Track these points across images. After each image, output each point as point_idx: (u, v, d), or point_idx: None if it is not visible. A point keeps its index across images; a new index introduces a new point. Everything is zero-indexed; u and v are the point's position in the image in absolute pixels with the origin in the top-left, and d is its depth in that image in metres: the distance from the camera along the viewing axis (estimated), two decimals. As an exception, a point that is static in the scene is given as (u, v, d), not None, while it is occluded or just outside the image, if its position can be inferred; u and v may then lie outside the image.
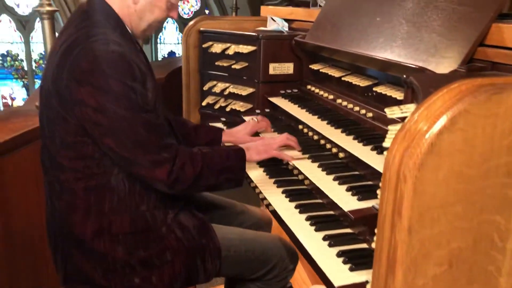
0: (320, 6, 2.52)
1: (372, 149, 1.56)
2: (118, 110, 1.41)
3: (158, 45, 13.30)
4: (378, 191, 1.17)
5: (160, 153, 1.48)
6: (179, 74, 2.91)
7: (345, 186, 1.50)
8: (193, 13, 13.18)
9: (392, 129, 1.04)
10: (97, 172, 1.52)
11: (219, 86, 2.61)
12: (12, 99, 12.37)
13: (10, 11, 11.74)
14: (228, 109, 2.56)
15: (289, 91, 2.40)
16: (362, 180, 1.55)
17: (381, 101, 1.79)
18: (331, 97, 2.09)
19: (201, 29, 2.67)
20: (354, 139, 1.68)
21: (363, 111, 1.83)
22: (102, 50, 1.40)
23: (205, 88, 2.67)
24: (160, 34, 13.23)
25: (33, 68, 12.05)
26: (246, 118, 2.31)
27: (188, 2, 13.15)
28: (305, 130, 2.01)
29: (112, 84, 1.40)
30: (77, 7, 1.63)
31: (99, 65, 1.39)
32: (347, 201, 1.41)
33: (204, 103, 2.70)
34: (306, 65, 2.37)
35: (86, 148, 1.49)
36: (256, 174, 1.83)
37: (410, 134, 0.70)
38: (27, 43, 11.96)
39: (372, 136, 1.67)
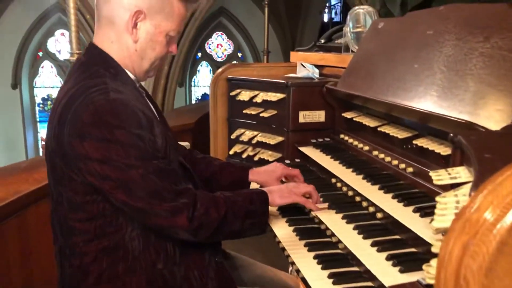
0: (352, 51, 2.42)
1: (414, 211, 1.39)
2: (127, 161, 1.33)
3: (192, 87, 13.56)
4: (424, 266, 1.01)
5: (177, 199, 1.38)
6: (209, 119, 2.84)
7: (384, 254, 1.32)
8: (226, 56, 13.44)
9: (442, 203, 0.88)
10: (109, 231, 1.42)
11: (247, 135, 2.51)
12: (51, 141, 12.75)
13: (52, 57, 12.30)
14: (256, 158, 2.45)
15: (320, 140, 2.27)
16: (404, 246, 1.37)
17: (422, 155, 1.63)
18: (366, 148, 1.94)
19: (229, 76, 2.61)
20: (393, 197, 1.51)
21: (402, 165, 1.67)
22: (103, 99, 1.33)
23: (233, 136, 2.58)
24: (194, 77, 13.51)
25: (72, 111, 12.43)
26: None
27: (221, 46, 13.44)
28: (339, 185, 1.86)
29: (117, 134, 1.32)
30: (75, 59, 1.59)
31: (100, 116, 1.32)
32: (388, 273, 1.24)
33: (231, 152, 2.60)
34: (338, 113, 2.25)
35: (96, 207, 1.41)
36: (284, 233, 1.68)
37: (471, 225, 0.55)
38: (66, 88, 12.41)
39: (414, 195, 1.50)
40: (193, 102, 13.33)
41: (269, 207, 1.57)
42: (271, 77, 2.55)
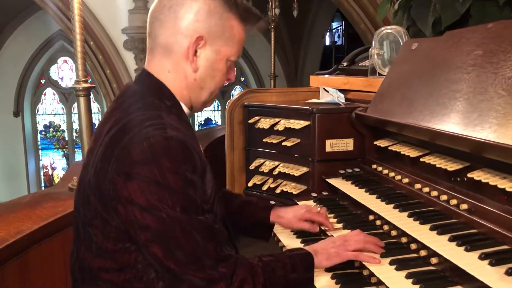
0: (379, 74, 2.26)
1: (481, 258, 1.20)
2: (172, 212, 1.15)
3: (195, 113, 13.47)
4: None
5: (217, 268, 1.19)
6: (218, 146, 2.67)
7: (451, 311, 1.13)
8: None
9: None
10: (139, 287, 1.24)
11: (267, 165, 2.33)
12: (53, 168, 12.58)
13: (54, 84, 12.24)
14: (278, 190, 2.26)
15: (349, 170, 2.08)
16: (472, 301, 1.17)
17: (476, 189, 1.44)
18: (405, 180, 1.75)
19: (246, 103, 2.44)
20: (451, 240, 1.32)
21: (453, 201, 1.48)
22: (159, 136, 1.17)
23: (251, 167, 2.40)
24: (197, 102, 13.42)
25: (74, 138, 12.33)
26: (301, 203, 2.00)
27: (224, 70, 13.39)
28: (378, 223, 1.66)
29: (170, 178, 1.15)
30: (124, 86, 1.42)
31: (155, 154, 1.15)
32: (461, 337, 1.04)
33: (250, 184, 2.41)
34: (369, 141, 2.07)
35: (128, 257, 1.23)
36: (323, 282, 1.47)
37: None
38: (68, 114, 12.33)
39: (475, 238, 1.31)
40: (196, 127, 13.20)
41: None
42: (291, 103, 2.39)
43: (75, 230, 1.35)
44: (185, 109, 1.37)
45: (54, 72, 12.19)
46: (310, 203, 1.98)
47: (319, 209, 1.73)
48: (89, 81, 2.75)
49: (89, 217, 1.26)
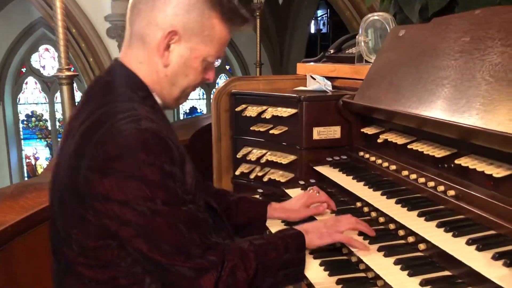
0: (366, 61, 2.25)
1: (469, 243, 1.20)
2: (152, 205, 1.13)
3: (180, 101, 13.34)
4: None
5: (205, 256, 1.18)
6: (205, 135, 2.64)
7: (440, 297, 1.13)
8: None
9: None
10: (125, 283, 1.21)
11: (255, 153, 2.32)
12: (36, 158, 12.39)
13: (36, 73, 12.00)
14: (265, 179, 2.25)
15: (337, 158, 2.08)
16: (459, 285, 1.18)
17: (464, 175, 1.45)
18: (393, 167, 1.76)
19: (233, 91, 2.42)
20: (438, 226, 1.33)
21: (441, 188, 1.48)
22: (133, 129, 1.13)
23: (239, 155, 2.38)
24: (182, 90, 13.30)
25: (57, 127, 12.14)
26: (289, 190, 2.00)
27: (209, 59, 13.27)
28: (366, 209, 1.66)
29: (147, 172, 1.12)
30: (95, 77, 1.37)
31: (130, 148, 1.12)
32: (450, 321, 1.05)
33: (237, 172, 2.40)
34: (356, 129, 2.06)
35: (110, 253, 1.20)
36: (311, 269, 1.47)
37: None
38: (51, 103, 12.12)
39: (462, 224, 1.32)
40: (181, 116, 13.10)
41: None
42: (278, 90, 2.37)
43: (52, 231, 1.31)
44: (159, 100, 1.33)
45: (36, 60, 11.94)
46: (298, 191, 1.98)
47: (317, 193, 1.72)
48: (72, 70, 2.70)
49: (67, 216, 1.22)
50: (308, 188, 1.81)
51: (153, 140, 1.14)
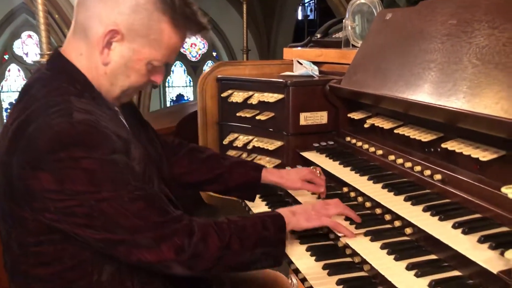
0: (354, 46, 2.23)
1: (454, 227, 1.20)
2: (97, 195, 1.08)
3: (167, 88, 13.21)
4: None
5: (165, 227, 1.14)
6: (191, 122, 2.61)
7: (426, 280, 1.13)
8: (200, 56, 13.15)
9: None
10: (72, 278, 1.17)
11: (242, 140, 2.29)
12: None
13: (19, 60, 11.78)
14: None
15: (323, 143, 2.07)
16: (446, 269, 1.18)
17: (450, 159, 1.45)
18: (379, 152, 1.75)
19: (219, 76, 2.38)
20: (425, 210, 1.32)
21: (427, 172, 1.48)
22: (64, 122, 1.08)
23: (225, 142, 2.36)
24: (168, 77, 13.16)
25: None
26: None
27: (195, 45, 13.14)
28: (353, 194, 1.66)
29: (84, 163, 1.08)
30: (35, 70, 1.32)
31: (62, 143, 1.07)
32: (436, 305, 1.05)
33: (224, 159, 2.37)
34: (342, 114, 2.05)
35: (53, 249, 1.15)
36: (297, 254, 1.47)
37: None
38: None
39: (449, 207, 1.32)
40: (168, 104, 13.00)
41: (291, 230, 1.36)
42: (264, 76, 2.34)
43: None
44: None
45: (18, 47, 11.71)
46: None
47: (318, 173, 1.72)
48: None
49: (3, 215, 1.18)
50: (312, 166, 1.81)
51: (86, 132, 1.09)
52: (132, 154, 1.18)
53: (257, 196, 1.79)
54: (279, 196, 1.90)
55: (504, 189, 0.82)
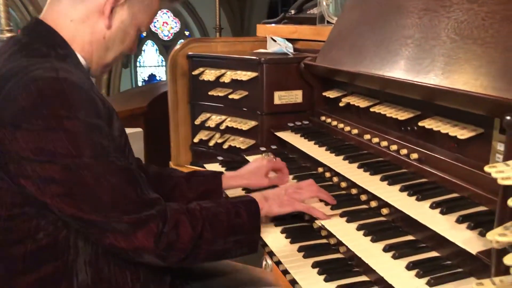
0: (329, 23, 2.17)
1: (432, 207, 1.18)
2: (77, 159, 1.02)
3: (138, 68, 12.92)
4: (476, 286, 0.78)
5: (143, 211, 1.08)
6: (162, 102, 2.52)
7: (403, 262, 1.10)
8: (173, 35, 12.87)
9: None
10: (46, 259, 1.10)
11: (214, 120, 2.22)
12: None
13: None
14: (225, 146, 2.17)
15: (298, 123, 2.02)
16: (423, 250, 1.16)
17: (427, 138, 1.42)
18: (355, 131, 1.71)
19: (190, 53, 2.29)
20: (402, 190, 1.29)
21: (403, 151, 1.45)
22: (49, 78, 1.02)
23: (197, 122, 2.28)
24: (140, 57, 12.86)
25: None
26: (250, 157, 1.93)
27: (167, 24, 12.84)
28: (328, 175, 1.62)
29: (68, 124, 1.01)
30: (7, 38, 1.24)
31: (46, 99, 1.00)
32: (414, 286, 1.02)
33: (196, 140, 2.30)
34: (317, 93, 2.00)
35: (27, 224, 1.07)
36: (272, 237, 1.42)
37: None
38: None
39: (426, 187, 1.29)
40: (140, 84, 12.73)
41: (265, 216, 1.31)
42: (237, 53, 2.26)
43: None
44: (83, 61, 1.21)
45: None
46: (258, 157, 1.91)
47: (273, 157, 1.66)
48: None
49: None
50: (263, 154, 1.76)
51: (72, 91, 1.03)
52: (114, 124, 1.13)
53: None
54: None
55: (487, 168, 0.78)
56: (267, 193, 1.36)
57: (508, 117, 0.84)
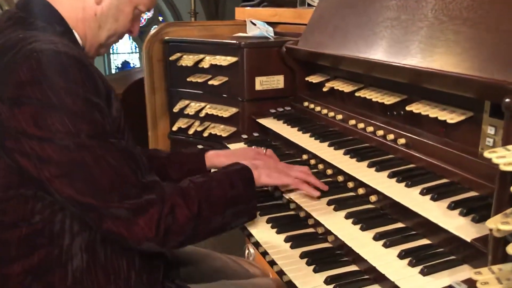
0: (309, 5, 2.11)
1: (423, 193, 1.15)
2: (77, 139, 0.97)
3: (111, 55, 12.62)
4: (475, 274, 0.76)
5: (143, 195, 1.04)
6: (138, 89, 2.44)
7: (395, 251, 1.07)
8: (146, 20, 12.59)
9: None
10: (41, 243, 1.05)
11: (193, 107, 2.15)
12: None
13: None
14: (205, 134, 2.10)
15: (281, 109, 1.97)
16: (414, 238, 1.13)
17: (414, 123, 1.39)
18: (339, 117, 1.67)
19: (166, 38, 2.20)
20: (390, 177, 1.26)
21: (390, 136, 1.42)
22: (50, 50, 0.97)
23: (175, 109, 2.20)
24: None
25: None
26: (231, 145, 1.87)
27: (140, 9, 12.54)
28: (313, 162, 1.58)
29: (68, 100, 0.96)
30: (4, 11, 1.17)
31: (46, 72, 0.96)
32: (407, 276, 0.99)
33: (174, 128, 2.23)
34: (300, 78, 1.95)
35: (23, 207, 1.03)
36: (258, 227, 1.38)
37: None
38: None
39: (415, 173, 1.26)
40: (113, 71, 12.45)
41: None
42: (216, 37, 2.19)
43: None
44: (79, 40, 1.17)
45: None
46: (241, 145, 1.86)
47: (264, 150, 1.57)
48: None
49: None
50: (254, 146, 1.69)
51: (73, 65, 0.98)
52: (113, 105, 1.07)
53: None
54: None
55: (487, 154, 0.74)
56: (257, 162, 1.32)
57: (508, 99, 0.81)
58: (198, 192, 1.12)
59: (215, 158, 1.48)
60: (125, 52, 12.70)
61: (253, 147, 1.61)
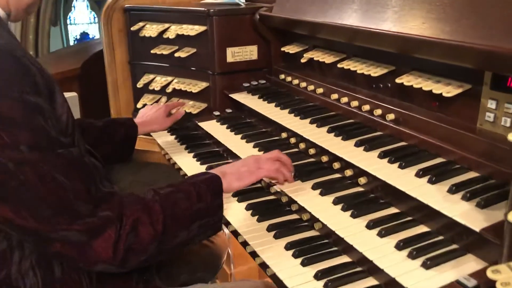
0: (283, -32, 1.94)
1: (418, 175, 1.04)
2: (15, 153, 0.81)
3: (69, 26, 12.00)
4: (490, 273, 0.66)
5: (97, 212, 0.89)
6: (97, 63, 2.23)
7: (392, 240, 0.97)
8: (104, -13, 12.02)
9: None
10: None
11: (159, 81, 1.98)
12: None
13: None
14: (173, 111, 1.93)
15: (255, 83, 1.83)
16: (411, 225, 1.03)
17: (403, 96, 1.28)
18: (320, 90, 1.55)
19: (126, 6, 2.00)
20: (381, 157, 1.15)
21: (378, 111, 1.30)
22: None
23: (139, 85, 2.03)
24: (70, 14, 11.93)
25: None
26: (203, 124, 1.73)
27: (98, -24, 11.92)
28: (293, 140, 1.45)
29: (1, 106, 0.81)
30: None
31: None
32: (408, 270, 0.89)
33: (139, 105, 2.05)
34: (275, 48, 1.81)
35: None
36: (236, 215, 1.26)
37: None
38: None
39: (407, 152, 1.16)
40: (71, 43, 11.87)
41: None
42: (182, 4, 2.00)
43: None
44: (1, 12, 0.99)
45: None
46: (213, 123, 1.72)
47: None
48: None
49: None
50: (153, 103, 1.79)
51: (2, 60, 0.82)
52: (57, 99, 0.91)
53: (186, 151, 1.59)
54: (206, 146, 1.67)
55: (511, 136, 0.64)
56: (223, 169, 1.19)
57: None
58: (163, 206, 0.98)
59: (140, 127, 1.56)
60: (83, 22, 12.09)
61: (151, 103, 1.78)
